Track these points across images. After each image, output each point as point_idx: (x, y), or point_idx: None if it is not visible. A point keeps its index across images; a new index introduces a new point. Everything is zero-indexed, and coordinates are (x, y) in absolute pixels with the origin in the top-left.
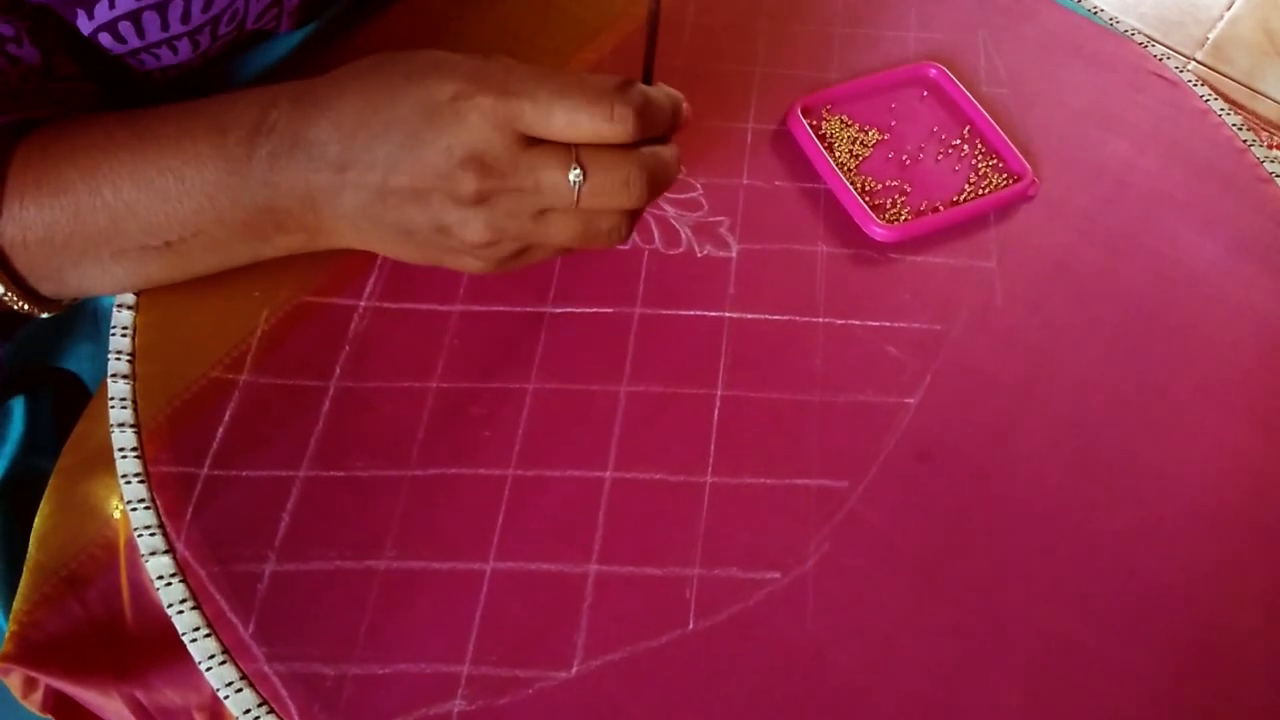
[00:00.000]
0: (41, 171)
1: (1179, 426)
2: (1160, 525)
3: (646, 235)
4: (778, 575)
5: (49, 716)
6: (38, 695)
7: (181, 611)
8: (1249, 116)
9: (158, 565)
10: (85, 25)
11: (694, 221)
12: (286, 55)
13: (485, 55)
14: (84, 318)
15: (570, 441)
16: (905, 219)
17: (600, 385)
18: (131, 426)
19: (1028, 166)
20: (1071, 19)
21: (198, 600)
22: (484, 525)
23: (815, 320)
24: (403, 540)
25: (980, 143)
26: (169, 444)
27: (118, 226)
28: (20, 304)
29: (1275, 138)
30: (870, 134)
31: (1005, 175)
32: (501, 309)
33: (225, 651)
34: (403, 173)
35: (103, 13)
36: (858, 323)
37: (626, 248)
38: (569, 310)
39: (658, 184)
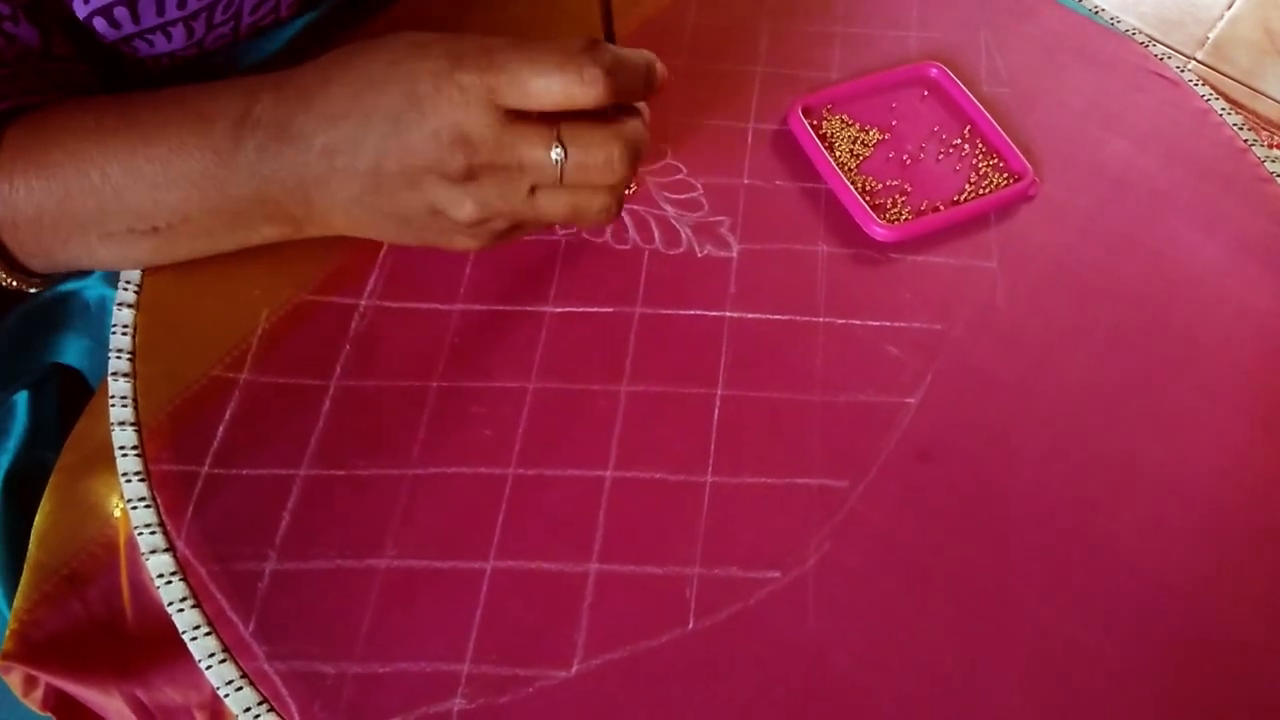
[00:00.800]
0: (31, 154)
1: (1179, 426)
2: (1161, 525)
3: (647, 235)
4: (778, 575)
5: (49, 715)
6: (38, 693)
7: (182, 610)
8: (1249, 116)
9: (158, 563)
10: (80, 9)
11: (694, 221)
12: (283, 46)
13: (459, 34)
14: (79, 313)
15: (571, 441)
16: (906, 219)
17: (601, 385)
18: (132, 425)
19: (1028, 166)
20: (1072, 19)
21: (198, 598)
22: (484, 524)
23: (816, 320)
24: (403, 539)
25: (981, 142)
26: (170, 442)
27: (105, 210)
28: (9, 280)
29: (1276, 137)
30: (871, 134)
31: (1006, 175)
32: (502, 308)
33: (225, 650)
34: (393, 158)
35: None
36: (858, 322)
37: (626, 247)
38: (569, 310)
39: (638, 157)
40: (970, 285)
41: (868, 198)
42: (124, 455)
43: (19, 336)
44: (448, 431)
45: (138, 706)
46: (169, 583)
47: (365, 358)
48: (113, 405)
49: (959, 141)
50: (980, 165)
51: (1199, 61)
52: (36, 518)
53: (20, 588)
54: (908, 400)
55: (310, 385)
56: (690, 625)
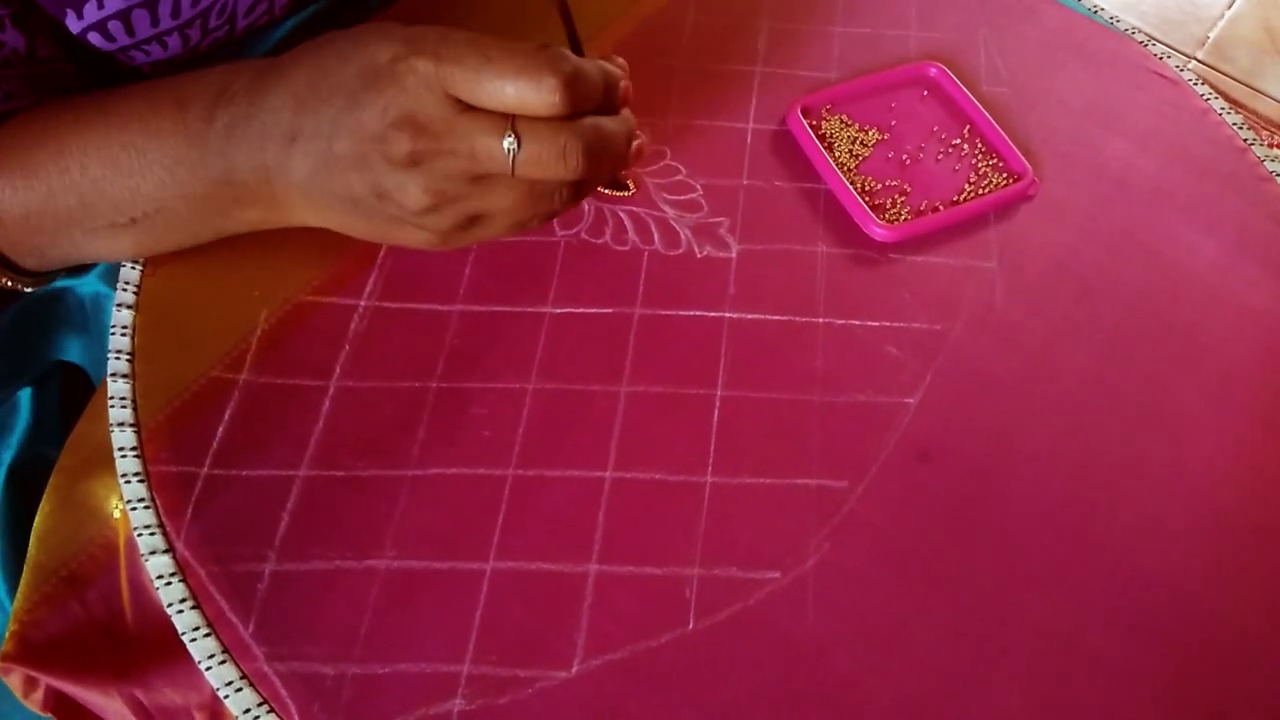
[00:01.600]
0: (16, 156)
1: (1180, 425)
2: (1161, 525)
3: (646, 236)
4: (778, 575)
5: (50, 716)
6: (38, 694)
7: (181, 611)
8: (1250, 115)
9: (157, 565)
10: (74, 25)
11: (694, 222)
12: (273, 46)
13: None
14: (74, 309)
15: (570, 441)
16: (905, 219)
17: (600, 385)
18: (131, 426)
19: (1028, 166)
20: (1072, 18)
21: (198, 600)
22: (484, 525)
23: (815, 320)
24: (403, 540)
25: (980, 142)
26: (169, 443)
27: (86, 205)
28: (4, 280)
29: (1276, 136)
30: (870, 134)
31: (1005, 175)
32: (502, 309)
33: (225, 651)
34: (343, 137)
35: (91, 13)
36: (858, 323)
37: (626, 249)
38: (569, 310)
39: (598, 155)
40: (970, 285)
41: (867, 198)
42: (123, 456)
43: (18, 333)
44: (447, 432)
45: (137, 708)
46: (168, 584)
47: (364, 358)
48: (112, 406)
49: (958, 141)
50: (980, 165)
51: (1199, 61)
52: (36, 519)
53: (20, 589)
54: (907, 400)
55: (309, 386)
56: (690, 625)
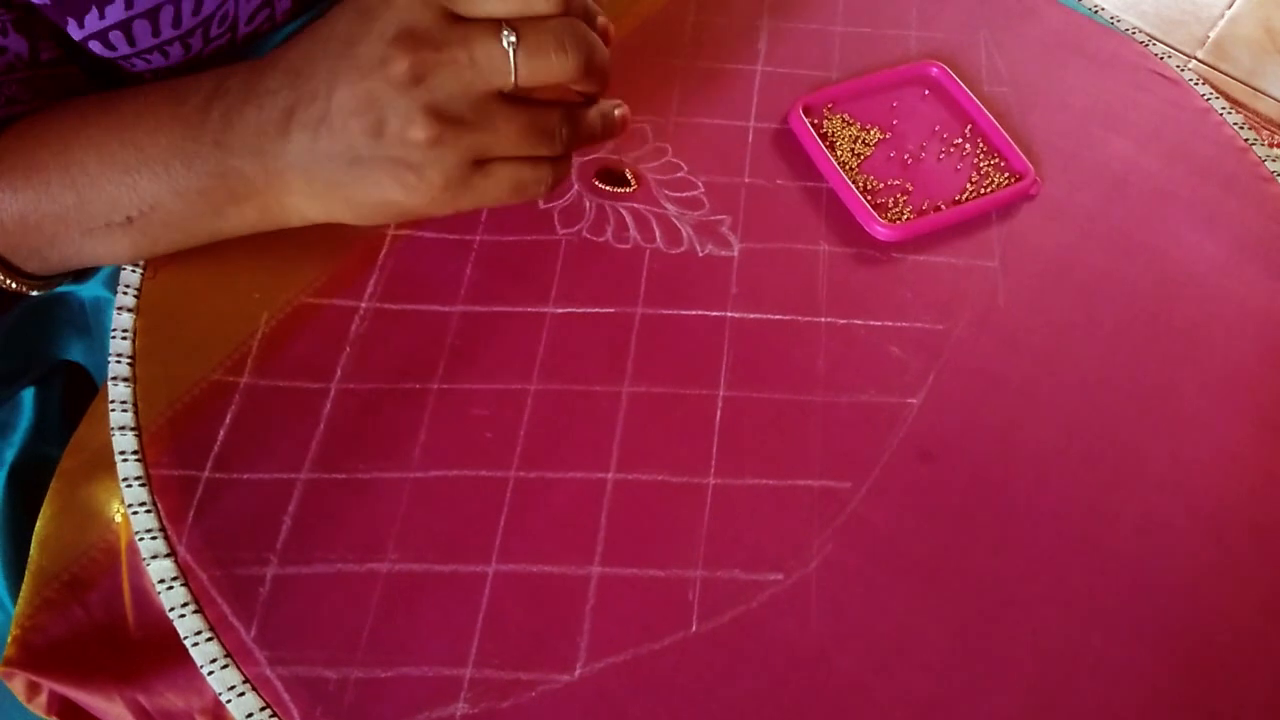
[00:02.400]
0: (17, 156)
1: (1182, 426)
2: (1163, 525)
3: (648, 234)
4: (780, 577)
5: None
6: (42, 698)
7: (183, 615)
8: (1250, 115)
9: (159, 569)
10: (76, 33)
11: (695, 220)
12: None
13: None
14: (76, 312)
15: (572, 443)
16: (907, 218)
17: (602, 386)
18: (132, 429)
19: (1030, 166)
20: (1073, 18)
21: (199, 604)
22: (486, 527)
23: (817, 320)
24: (404, 543)
25: (982, 142)
26: (170, 447)
27: (83, 203)
28: (9, 282)
29: (1276, 136)
30: (872, 133)
31: (1007, 174)
32: (503, 309)
33: (227, 655)
34: (343, 82)
35: (93, 22)
36: (860, 322)
37: (627, 247)
38: (570, 310)
39: (590, 51)
40: (972, 285)
41: (869, 197)
42: (124, 460)
43: (21, 333)
44: (449, 434)
45: (140, 712)
46: (170, 588)
47: (365, 360)
48: (112, 410)
49: (960, 141)
50: (981, 164)
51: (1200, 60)
52: (38, 523)
53: (22, 593)
54: (910, 400)
55: (310, 388)
56: (693, 628)
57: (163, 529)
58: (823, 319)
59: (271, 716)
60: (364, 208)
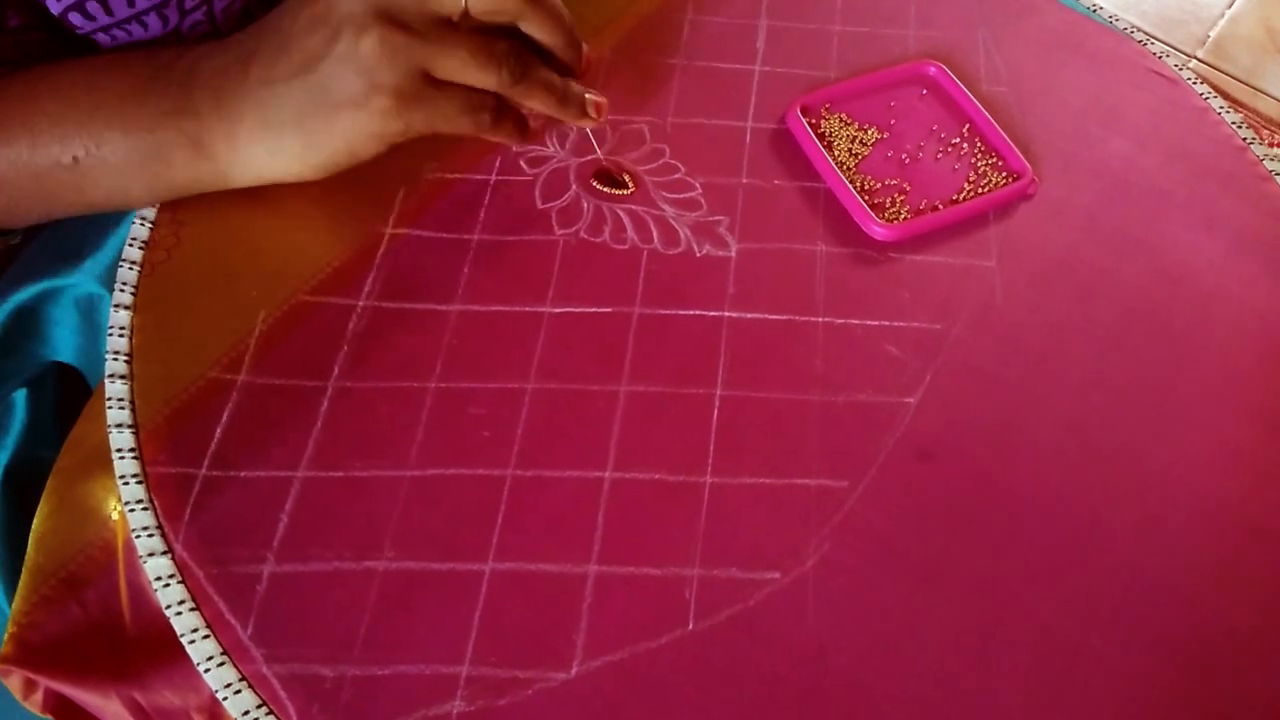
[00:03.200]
0: None
1: (1180, 425)
2: (1162, 524)
3: (645, 235)
4: (778, 575)
5: (50, 718)
6: (38, 696)
7: (180, 613)
8: (1250, 114)
9: (156, 566)
10: (54, 6)
11: (693, 221)
12: None
13: None
14: (68, 310)
15: (569, 441)
16: (905, 218)
17: (599, 385)
18: (129, 427)
19: (1027, 165)
20: (1071, 17)
21: (196, 601)
22: (483, 526)
23: (815, 320)
24: (401, 541)
25: (980, 141)
26: (167, 445)
27: (36, 143)
28: None
29: (1276, 136)
30: (869, 132)
31: (1005, 174)
32: (500, 309)
33: (224, 653)
34: (301, 17)
35: None
36: (857, 322)
37: (624, 247)
38: (568, 310)
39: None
40: (969, 284)
41: (866, 197)
42: (121, 458)
43: (13, 334)
44: (446, 433)
45: (136, 709)
46: (167, 585)
47: (363, 359)
48: (110, 407)
49: (958, 140)
50: (979, 164)
51: (1200, 60)
52: (34, 521)
53: (19, 591)
54: (907, 400)
55: (308, 386)
56: (690, 626)
57: (160, 526)
58: (820, 319)
59: (268, 714)
60: (312, 135)
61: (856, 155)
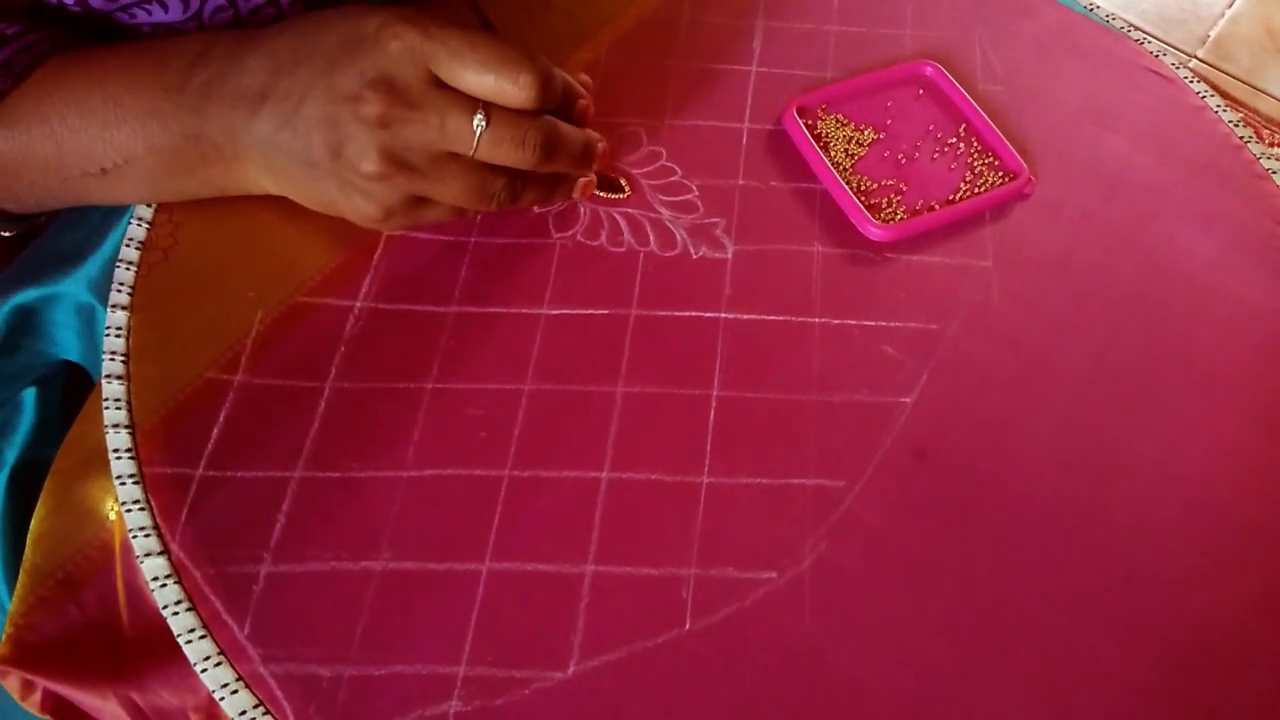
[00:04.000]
0: (4, 105)
1: (1176, 424)
2: (1158, 522)
3: (642, 238)
4: (774, 575)
5: (48, 718)
6: (36, 696)
7: (177, 613)
8: (1250, 114)
9: (153, 566)
10: None
11: (689, 224)
12: None
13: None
14: (72, 314)
15: (566, 442)
16: (901, 218)
17: (596, 386)
18: (126, 428)
19: (1024, 164)
20: (1068, 16)
21: (193, 601)
22: (480, 526)
23: (811, 320)
24: (398, 541)
25: (976, 141)
26: (164, 445)
27: (62, 154)
28: None
29: (1277, 135)
30: (866, 133)
31: (1001, 173)
32: (497, 310)
33: (221, 653)
34: (315, 99)
35: None
36: (854, 322)
37: (621, 250)
38: (564, 311)
39: (553, 151)
40: (966, 284)
41: (863, 197)
42: (118, 458)
43: (15, 332)
44: (443, 433)
45: (134, 710)
46: (164, 586)
47: (360, 360)
48: (106, 408)
49: (954, 140)
50: (975, 164)
51: (1200, 59)
52: (32, 521)
53: (16, 591)
54: (903, 400)
55: (305, 387)
56: (687, 626)
57: (156, 527)
58: (816, 319)
59: (265, 714)
60: (310, 200)
61: (853, 156)
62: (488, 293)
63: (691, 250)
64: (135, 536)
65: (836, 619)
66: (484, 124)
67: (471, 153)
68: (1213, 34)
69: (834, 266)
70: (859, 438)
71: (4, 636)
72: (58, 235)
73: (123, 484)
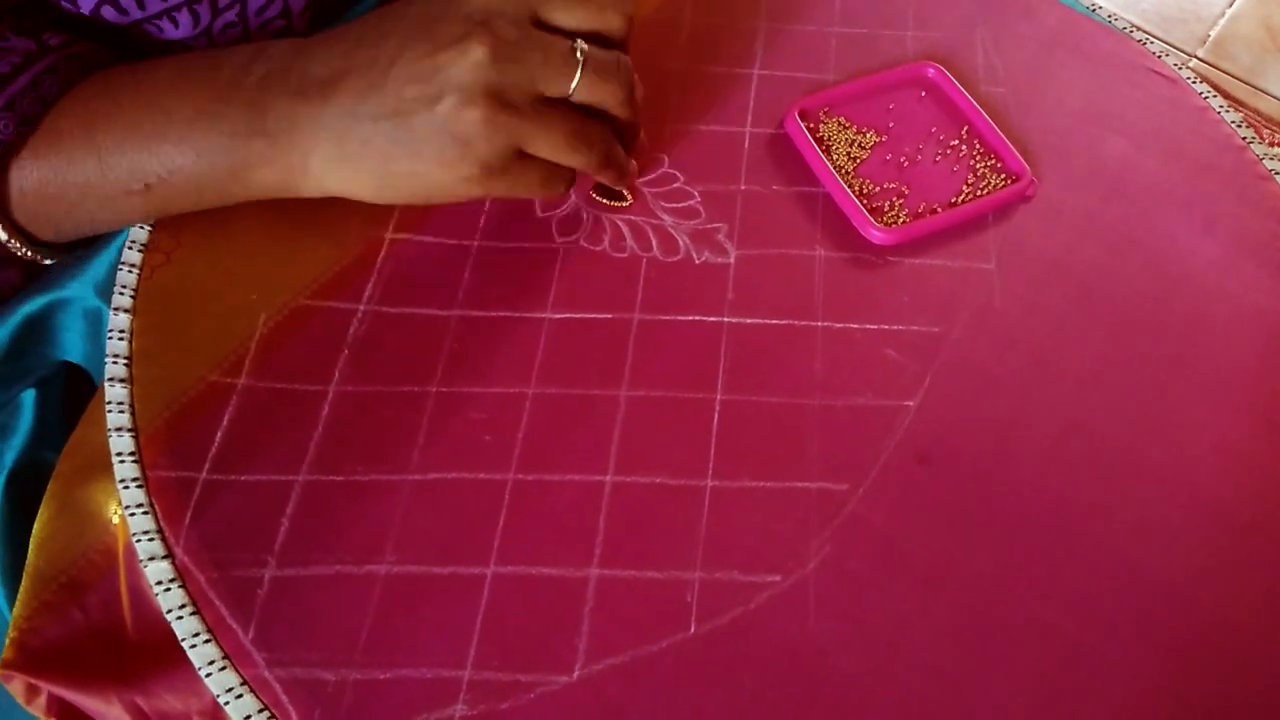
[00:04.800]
0: (42, 126)
1: (1179, 425)
2: (1161, 524)
3: (644, 244)
4: (779, 578)
5: None
6: (41, 700)
7: (181, 617)
8: (1250, 114)
9: (157, 570)
10: (86, 3)
11: (691, 229)
12: None
13: None
14: (76, 317)
15: (570, 446)
16: (903, 221)
17: (600, 390)
18: (129, 431)
19: (1026, 166)
20: (1070, 17)
21: (197, 605)
22: (484, 530)
23: (814, 324)
24: (403, 545)
25: (978, 143)
26: (167, 448)
27: (105, 171)
28: (24, 250)
29: (1277, 135)
30: (868, 136)
31: (1004, 175)
32: (501, 314)
33: (225, 657)
34: (409, 56)
35: None
36: (856, 326)
37: (624, 255)
38: (568, 316)
39: (631, 86)
40: (968, 287)
41: (865, 201)
42: (121, 461)
43: (25, 340)
44: (447, 437)
45: (138, 714)
46: (168, 590)
47: (363, 363)
48: (109, 411)
49: (956, 142)
50: (978, 166)
51: (1200, 59)
52: (35, 525)
53: (20, 596)
54: (907, 403)
55: (308, 391)
56: (691, 629)
57: (160, 531)
58: (819, 323)
59: (270, 719)
60: (390, 176)
61: (855, 159)
62: (491, 297)
63: (694, 255)
64: (139, 540)
65: (841, 622)
66: (583, 59)
67: (571, 90)
68: (1213, 34)
69: (836, 270)
70: (862, 441)
71: (8, 641)
72: None
73: (126, 488)
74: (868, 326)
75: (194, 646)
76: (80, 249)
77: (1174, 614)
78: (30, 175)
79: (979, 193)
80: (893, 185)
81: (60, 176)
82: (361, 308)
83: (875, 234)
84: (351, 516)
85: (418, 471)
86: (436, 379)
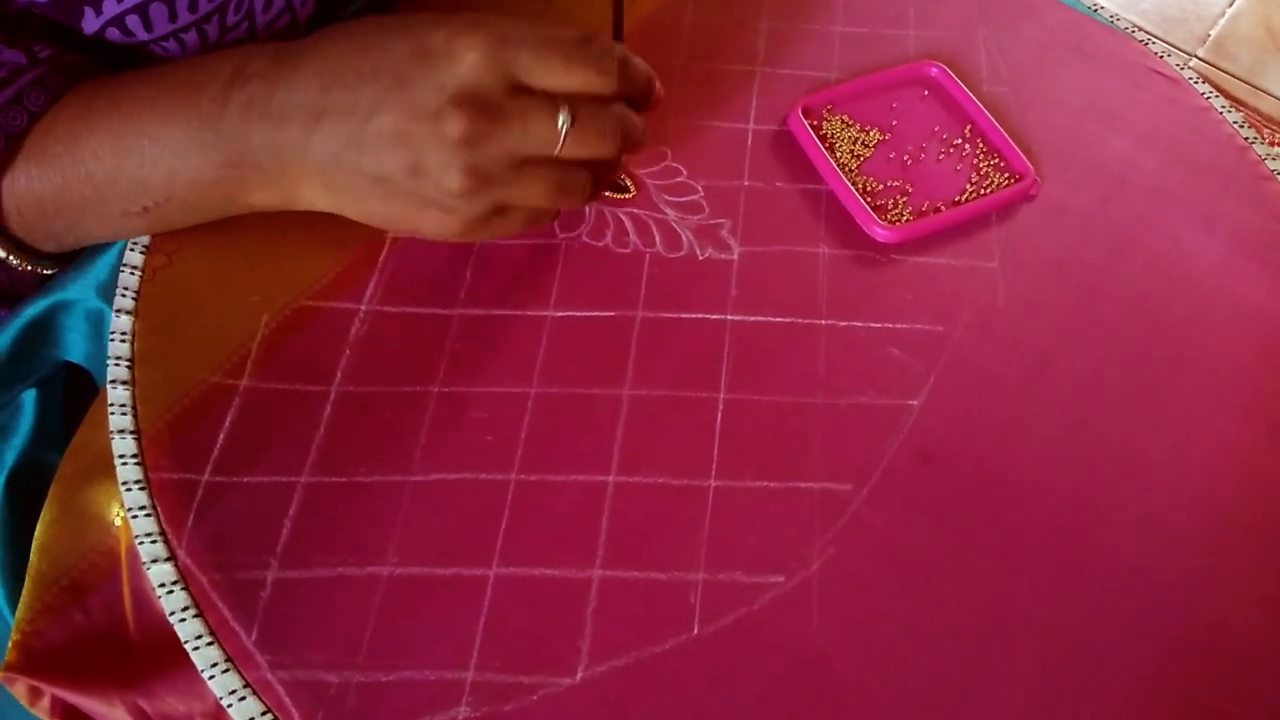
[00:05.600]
0: (34, 144)
1: (1181, 425)
2: (1163, 524)
3: (648, 239)
4: (782, 579)
5: None
6: (45, 702)
7: (184, 619)
8: (1251, 114)
9: (159, 573)
10: (91, 24)
11: (695, 225)
12: None
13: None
14: (79, 318)
15: (573, 446)
16: (907, 220)
17: (603, 389)
18: (131, 433)
19: (1029, 166)
20: (1072, 17)
21: (200, 608)
22: (487, 531)
23: (817, 322)
24: (405, 546)
25: (982, 142)
26: (169, 450)
27: (101, 196)
28: (24, 265)
29: (1277, 135)
30: (871, 134)
31: (1007, 174)
32: (503, 313)
33: (228, 659)
34: (387, 113)
35: (110, 7)
36: (860, 324)
37: (627, 251)
38: (570, 314)
39: (629, 140)
40: (972, 286)
41: (868, 199)
42: (124, 463)
43: (28, 341)
44: (449, 437)
45: (141, 716)
46: (170, 592)
47: (366, 363)
48: (112, 413)
49: (959, 141)
50: (981, 165)
51: (1200, 59)
52: (37, 528)
53: (22, 598)
54: (910, 402)
55: (310, 391)
56: (695, 631)
57: (163, 533)
58: (822, 321)
59: None
60: (374, 217)
61: (858, 157)
62: (493, 295)
63: (697, 251)
64: (141, 542)
65: (844, 622)
66: (569, 122)
67: (556, 152)
68: (1213, 33)
69: (840, 268)
70: (866, 441)
71: (10, 644)
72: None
73: (128, 490)
74: (871, 325)
75: (197, 649)
76: (81, 253)
77: (1176, 613)
78: (26, 197)
79: (982, 191)
80: (896, 183)
81: (56, 197)
82: (363, 308)
83: (879, 232)
84: (354, 518)
85: (420, 472)
86: (438, 379)
